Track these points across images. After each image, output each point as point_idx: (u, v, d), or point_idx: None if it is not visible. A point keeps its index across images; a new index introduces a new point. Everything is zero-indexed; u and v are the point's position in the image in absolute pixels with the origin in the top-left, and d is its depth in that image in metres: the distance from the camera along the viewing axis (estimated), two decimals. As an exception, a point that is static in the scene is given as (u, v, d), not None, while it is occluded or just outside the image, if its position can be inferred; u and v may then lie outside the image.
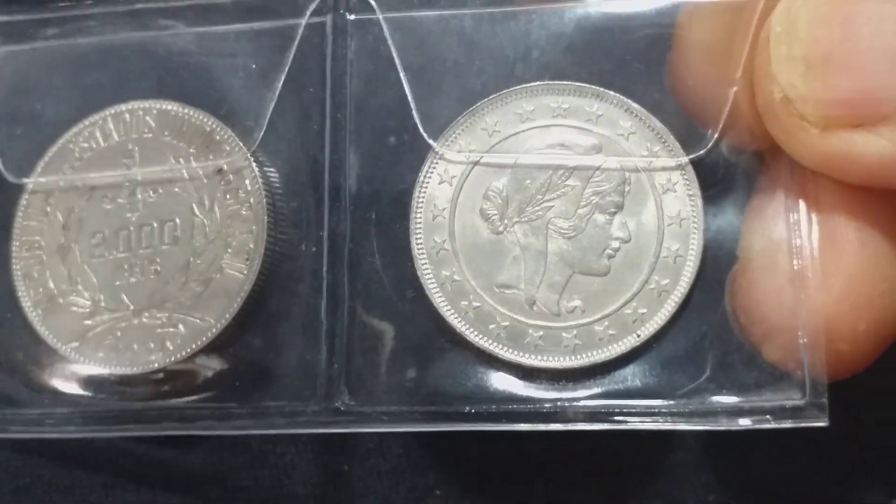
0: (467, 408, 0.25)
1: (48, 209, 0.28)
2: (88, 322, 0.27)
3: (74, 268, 0.28)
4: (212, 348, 0.27)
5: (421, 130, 0.26)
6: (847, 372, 0.24)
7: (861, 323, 0.23)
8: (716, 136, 0.25)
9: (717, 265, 0.25)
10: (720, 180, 0.26)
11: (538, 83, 0.26)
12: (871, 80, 0.22)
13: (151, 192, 0.28)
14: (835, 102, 0.23)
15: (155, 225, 0.27)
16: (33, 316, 0.28)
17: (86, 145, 0.28)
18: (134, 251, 0.27)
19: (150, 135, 0.28)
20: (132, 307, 0.27)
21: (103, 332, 0.27)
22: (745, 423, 0.24)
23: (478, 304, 0.26)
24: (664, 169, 0.26)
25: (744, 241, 0.25)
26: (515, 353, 0.25)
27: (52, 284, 0.28)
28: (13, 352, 0.28)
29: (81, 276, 0.28)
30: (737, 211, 0.25)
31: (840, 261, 0.24)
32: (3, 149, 0.28)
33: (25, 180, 0.28)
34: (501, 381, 0.25)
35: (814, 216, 0.24)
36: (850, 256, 0.24)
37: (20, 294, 0.28)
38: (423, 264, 0.26)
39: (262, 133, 0.27)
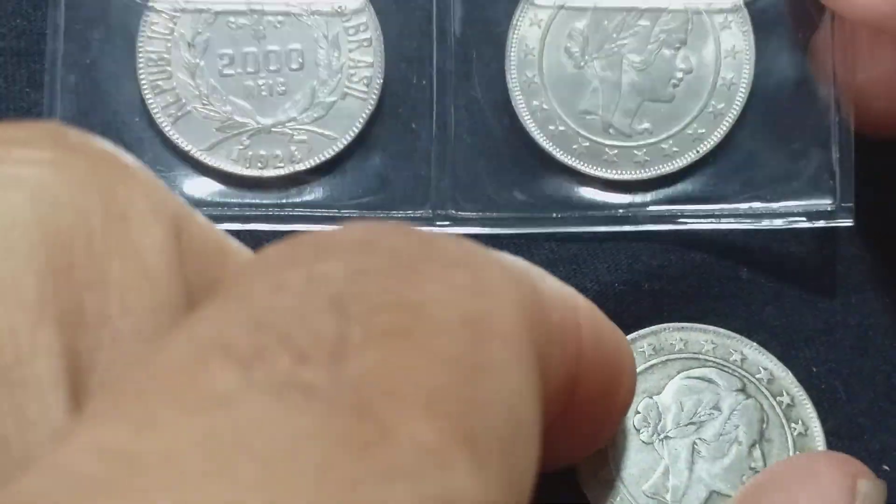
0: (555, 214, 0.30)
1: (172, 27, 0.30)
2: (218, 129, 0.30)
3: (202, 81, 0.30)
4: (336, 161, 0.30)
5: None
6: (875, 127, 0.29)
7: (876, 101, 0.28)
8: None
9: (766, 92, 0.30)
10: (771, 19, 0.30)
11: None
12: None
13: (276, 22, 0.30)
14: None
15: (279, 50, 0.30)
16: (162, 121, 0.30)
17: None
18: (260, 72, 0.30)
19: None
20: (262, 121, 0.30)
21: (233, 140, 0.30)
22: (781, 223, 0.29)
23: (563, 128, 0.30)
24: (721, 10, 0.30)
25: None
26: (594, 168, 0.30)
27: (180, 95, 0.30)
28: (139, 154, 0.29)
29: (209, 90, 0.30)
30: (783, 45, 0.30)
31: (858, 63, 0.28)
32: None
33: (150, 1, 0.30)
34: (583, 192, 0.30)
35: (846, 39, 0.29)
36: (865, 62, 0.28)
37: (149, 101, 0.30)
38: (516, 95, 0.30)
39: None
